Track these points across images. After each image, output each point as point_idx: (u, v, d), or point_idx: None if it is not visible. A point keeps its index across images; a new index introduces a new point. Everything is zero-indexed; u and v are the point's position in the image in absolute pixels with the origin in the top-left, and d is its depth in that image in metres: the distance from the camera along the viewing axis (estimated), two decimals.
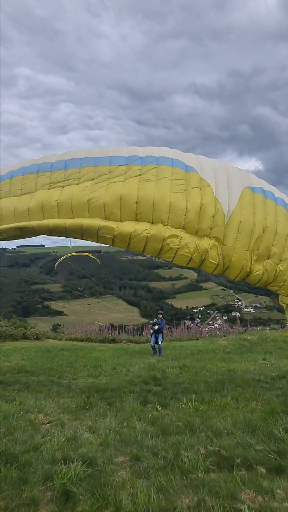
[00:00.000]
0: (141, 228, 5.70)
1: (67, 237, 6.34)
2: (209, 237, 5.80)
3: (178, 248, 5.70)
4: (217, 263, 5.85)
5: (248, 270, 6.04)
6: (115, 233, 5.66)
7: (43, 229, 6.01)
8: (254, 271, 6.07)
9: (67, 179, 6.01)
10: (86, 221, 5.71)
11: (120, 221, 5.74)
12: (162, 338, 14.99)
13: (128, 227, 5.69)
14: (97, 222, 5.71)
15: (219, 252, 5.84)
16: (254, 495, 3.55)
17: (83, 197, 5.78)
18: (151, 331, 15.30)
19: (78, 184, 5.92)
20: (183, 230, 5.78)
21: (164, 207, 5.72)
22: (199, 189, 5.90)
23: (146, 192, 5.74)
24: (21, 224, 5.99)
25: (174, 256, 5.85)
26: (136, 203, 5.70)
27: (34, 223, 5.95)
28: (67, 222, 5.77)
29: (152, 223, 5.73)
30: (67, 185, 6.00)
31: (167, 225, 5.74)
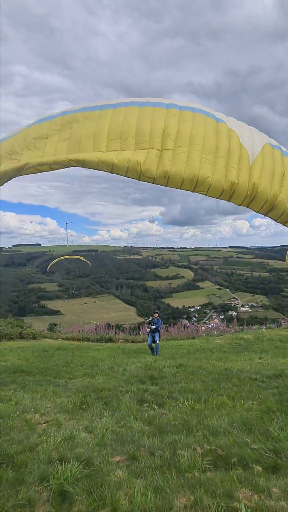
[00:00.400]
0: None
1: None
2: (238, 172, 6.23)
3: (211, 182, 6.07)
4: (244, 195, 6.26)
5: (272, 202, 6.46)
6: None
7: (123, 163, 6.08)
8: (277, 202, 6.49)
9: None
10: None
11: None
12: (159, 337, 14.80)
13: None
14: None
15: (247, 186, 6.25)
16: (250, 493, 3.56)
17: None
18: (148, 330, 15.10)
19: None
20: None
21: (199, 141, 6.20)
22: (228, 135, 6.49)
23: (185, 126, 6.30)
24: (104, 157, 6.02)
25: (208, 190, 6.16)
26: (175, 135, 6.18)
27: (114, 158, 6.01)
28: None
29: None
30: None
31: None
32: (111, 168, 6.09)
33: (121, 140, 6.23)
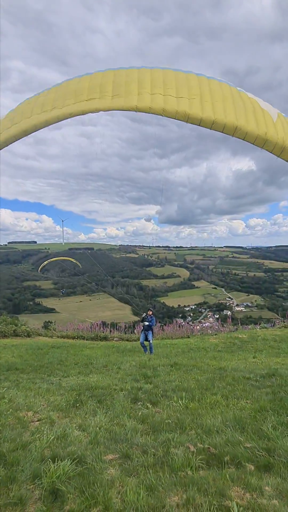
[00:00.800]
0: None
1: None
2: (266, 126, 7.21)
3: (248, 131, 7.08)
4: (274, 144, 7.20)
5: None
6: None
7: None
8: None
9: None
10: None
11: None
12: (152, 336, 14.52)
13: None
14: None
15: (277, 138, 7.19)
16: (242, 492, 3.57)
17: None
18: (141, 328, 14.81)
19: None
20: None
21: (229, 98, 7.24)
22: (249, 101, 7.49)
23: (216, 88, 7.33)
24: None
25: (245, 136, 7.19)
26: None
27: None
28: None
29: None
30: None
31: None
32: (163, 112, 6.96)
33: (164, 89, 7.05)
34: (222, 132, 7.06)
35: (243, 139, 7.17)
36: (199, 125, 7.01)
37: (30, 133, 7.19)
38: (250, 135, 7.07)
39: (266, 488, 3.62)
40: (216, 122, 6.89)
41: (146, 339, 14.27)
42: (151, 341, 14.23)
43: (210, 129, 7.02)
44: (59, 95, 7.31)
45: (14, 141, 7.35)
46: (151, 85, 7.04)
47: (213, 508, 3.30)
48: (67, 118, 6.89)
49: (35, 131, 7.21)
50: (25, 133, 7.16)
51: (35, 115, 7.19)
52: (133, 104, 6.74)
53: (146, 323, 14.25)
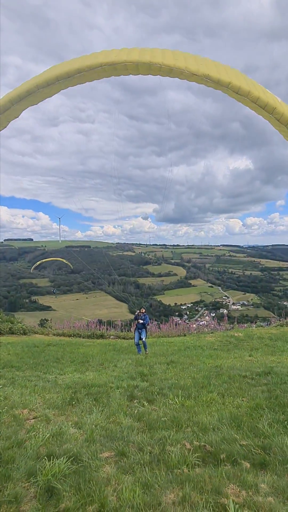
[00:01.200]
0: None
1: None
2: (280, 103, 7.70)
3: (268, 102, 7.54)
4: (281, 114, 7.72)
5: None
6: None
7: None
8: None
9: None
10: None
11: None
12: (146, 334, 13.77)
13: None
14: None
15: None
16: (238, 489, 3.57)
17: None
18: (134, 327, 14.01)
19: None
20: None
21: (245, 77, 7.88)
22: (257, 84, 7.92)
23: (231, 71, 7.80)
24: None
25: (265, 107, 7.63)
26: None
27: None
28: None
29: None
30: None
31: None
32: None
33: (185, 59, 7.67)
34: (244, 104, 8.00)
35: (262, 108, 7.86)
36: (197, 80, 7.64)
37: (61, 79, 7.40)
38: (268, 107, 7.65)
39: (262, 485, 3.63)
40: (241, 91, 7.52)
41: (141, 337, 13.58)
42: (144, 339, 13.60)
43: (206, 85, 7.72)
44: (84, 57, 7.73)
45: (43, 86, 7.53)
46: (164, 51, 7.75)
47: (209, 506, 3.30)
48: (97, 67, 7.34)
49: (66, 78, 7.41)
50: (57, 78, 7.33)
51: (67, 64, 7.52)
52: (147, 59, 7.32)
53: (140, 321, 13.64)
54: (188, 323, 27.41)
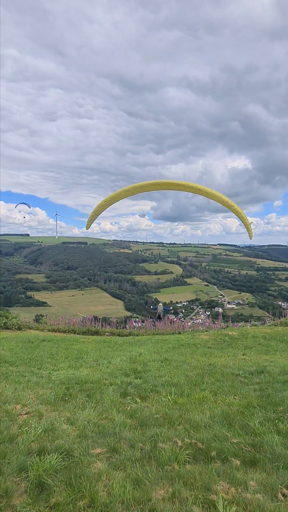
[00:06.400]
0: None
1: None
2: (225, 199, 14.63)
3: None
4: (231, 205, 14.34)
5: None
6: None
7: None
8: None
9: None
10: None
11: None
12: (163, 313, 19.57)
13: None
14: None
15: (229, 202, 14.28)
16: (228, 486, 3.61)
17: None
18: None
19: None
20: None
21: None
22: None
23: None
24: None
25: (230, 208, 13.80)
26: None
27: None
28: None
29: None
30: None
31: None
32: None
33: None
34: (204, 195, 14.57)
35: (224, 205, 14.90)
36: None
37: (115, 200, 13.93)
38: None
39: (251, 482, 3.67)
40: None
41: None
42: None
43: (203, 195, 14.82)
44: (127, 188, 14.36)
45: (104, 207, 13.73)
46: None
47: (199, 502, 3.33)
48: (140, 189, 14.26)
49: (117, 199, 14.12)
50: (112, 199, 13.51)
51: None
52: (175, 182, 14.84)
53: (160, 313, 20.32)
54: (183, 321, 27.48)
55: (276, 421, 5.23)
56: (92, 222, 12.38)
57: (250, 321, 26.82)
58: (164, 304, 19.40)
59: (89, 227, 12.69)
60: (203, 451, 4.36)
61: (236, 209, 13.55)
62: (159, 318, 17.31)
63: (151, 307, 19.02)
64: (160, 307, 20.58)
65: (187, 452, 4.28)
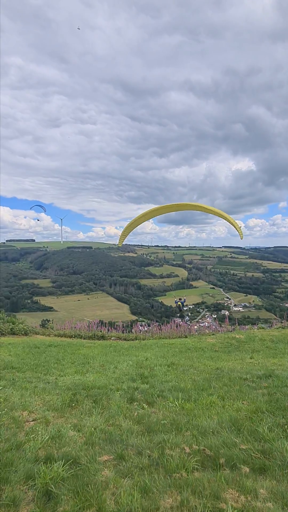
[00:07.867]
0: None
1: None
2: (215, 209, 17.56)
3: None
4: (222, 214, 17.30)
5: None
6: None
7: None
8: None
9: None
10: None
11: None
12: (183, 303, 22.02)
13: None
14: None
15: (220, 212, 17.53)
16: (237, 494, 3.54)
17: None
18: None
19: None
20: None
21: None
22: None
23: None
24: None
25: (220, 215, 16.84)
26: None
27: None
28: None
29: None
30: None
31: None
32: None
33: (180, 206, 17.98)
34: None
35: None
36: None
37: (137, 223, 16.77)
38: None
39: (261, 490, 3.60)
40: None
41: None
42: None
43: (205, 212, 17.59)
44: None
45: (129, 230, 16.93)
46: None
47: (207, 511, 3.28)
48: (158, 212, 17.45)
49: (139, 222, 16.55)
50: (135, 222, 16.44)
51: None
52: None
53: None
54: (189, 325, 27.33)
55: (286, 426, 5.13)
56: (124, 239, 16.12)
57: (257, 324, 26.56)
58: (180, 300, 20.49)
59: (121, 244, 16.36)
60: (212, 458, 4.30)
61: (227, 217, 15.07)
62: (180, 311, 20.03)
63: (175, 301, 19.85)
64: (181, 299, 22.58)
65: (195, 459, 4.22)
